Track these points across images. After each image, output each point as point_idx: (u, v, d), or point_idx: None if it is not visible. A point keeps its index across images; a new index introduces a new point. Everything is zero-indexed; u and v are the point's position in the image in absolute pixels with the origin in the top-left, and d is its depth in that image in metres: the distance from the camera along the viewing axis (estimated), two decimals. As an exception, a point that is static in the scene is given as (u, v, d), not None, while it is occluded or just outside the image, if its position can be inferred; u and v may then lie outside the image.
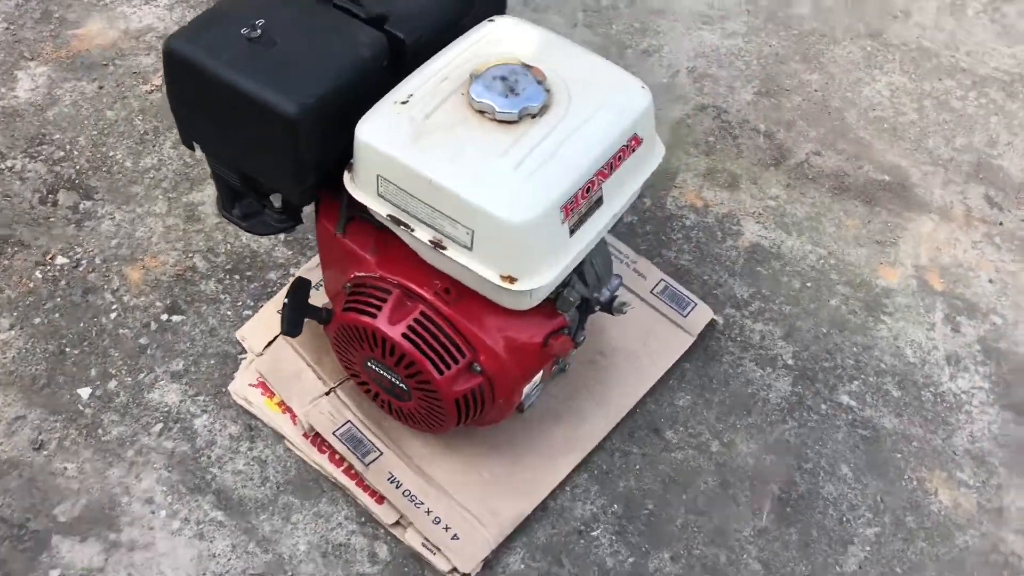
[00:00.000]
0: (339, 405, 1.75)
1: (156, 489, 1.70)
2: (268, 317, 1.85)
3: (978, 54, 2.49)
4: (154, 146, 2.15)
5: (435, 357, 1.49)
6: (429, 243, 1.38)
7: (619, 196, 1.44)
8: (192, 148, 1.52)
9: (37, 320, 1.89)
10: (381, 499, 1.67)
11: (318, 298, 1.80)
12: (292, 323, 1.60)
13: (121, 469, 1.73)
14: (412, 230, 1.39)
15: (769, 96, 2.37)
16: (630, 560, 1.68)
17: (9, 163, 2.11)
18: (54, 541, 1.65)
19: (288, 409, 1.75)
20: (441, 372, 1.49)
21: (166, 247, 2.00)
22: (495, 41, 1.45)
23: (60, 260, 1.97)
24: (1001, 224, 2.16)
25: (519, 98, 1.35)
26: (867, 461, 1.81)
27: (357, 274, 1.55)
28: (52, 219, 2.03)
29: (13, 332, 1.87)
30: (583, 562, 1.67)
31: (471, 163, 1.32)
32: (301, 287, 1.61)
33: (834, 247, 2.11)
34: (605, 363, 1.86)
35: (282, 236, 2.00)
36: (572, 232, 1.37)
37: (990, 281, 2.07)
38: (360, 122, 1.36)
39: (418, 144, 1.34)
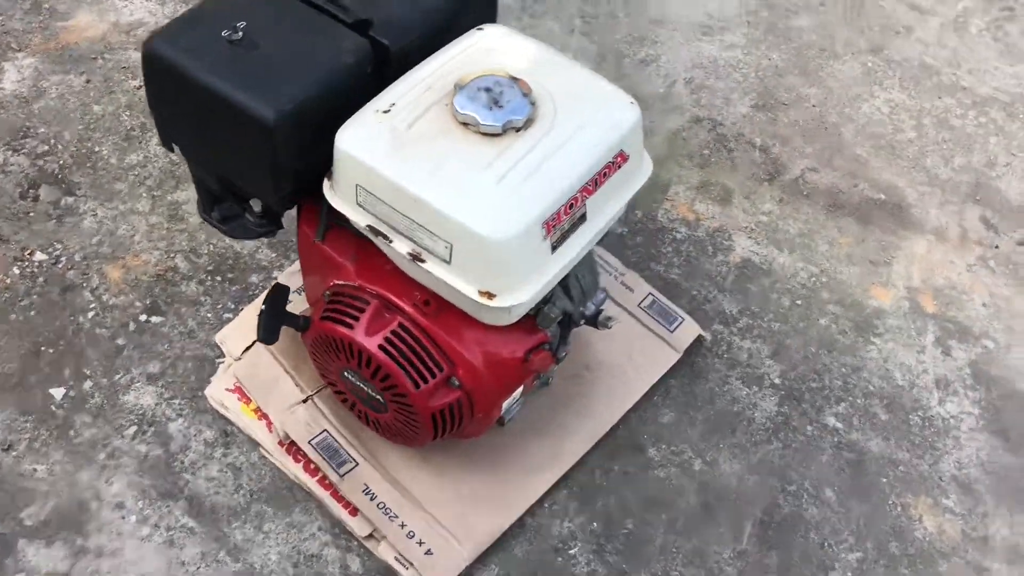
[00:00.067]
0: (316, 413, 1.72)
1: (127, 494, 1.68)
2: (248, 321, 1.82)
3: (980, 73, 2.46)
4: (140, 142, 2.13)
5: (412, 370, 1.46)
6: (407, 256, 1.35)
7: (604, 213, 1.41)
8: (171, 149, 1.49)
9: (12, 317, 1.86)
10: (355, 511, 1.64)
11: (301, 302, 1.78)
12: (269, 330, 1.57)
13: (92, 472, 1.70)
14: (391, 241, 1.36)
15: (766, 109, 2.34)
16: (607, 580, 1.66)
17: (-8, 155, 2.09)
18: (20, 545, 1.62)
19: (264, 416, 1.73)
20: (418, 386, 1.46)
21: (148, 246, 1.97)
22: (482, 51, 1.43)
23: (39, 256, 1.95)
24: (997, 247, 2.13)
25: (503, 111, 1.32)
26: (852, 485, 1.78)
27: (336, 282, 1.52)
28: (33, 214, 2.01)
29: (-11, 328, 1.85)
30: (559, 581, 1.65)
31: (452, 176, 1.29)
32: (279, 293, 1.58)
33: (826, 265, 2.08)
34: (589, 377, 1.83)
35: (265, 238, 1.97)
36: (554, 248, 1.35)
37: (983, 305, 2.04)
38: (340, 130, 1.33)
39: (399, 155, 1.31)
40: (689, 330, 1.90)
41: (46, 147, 2.11)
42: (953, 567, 1.70)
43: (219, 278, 1.94)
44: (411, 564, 1.60)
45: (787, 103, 2.36)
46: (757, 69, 2.42)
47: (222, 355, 1.82)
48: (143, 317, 1.88)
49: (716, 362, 1.91)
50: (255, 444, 1.73)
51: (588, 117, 1.37)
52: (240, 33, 1.35)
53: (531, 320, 1.50)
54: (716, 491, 1.76)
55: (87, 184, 2.05)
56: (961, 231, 2.16)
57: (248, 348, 1.79)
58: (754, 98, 2.36)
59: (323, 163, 1.38)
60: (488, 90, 1.33)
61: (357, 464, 1.67)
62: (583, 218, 1.37)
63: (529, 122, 1.33)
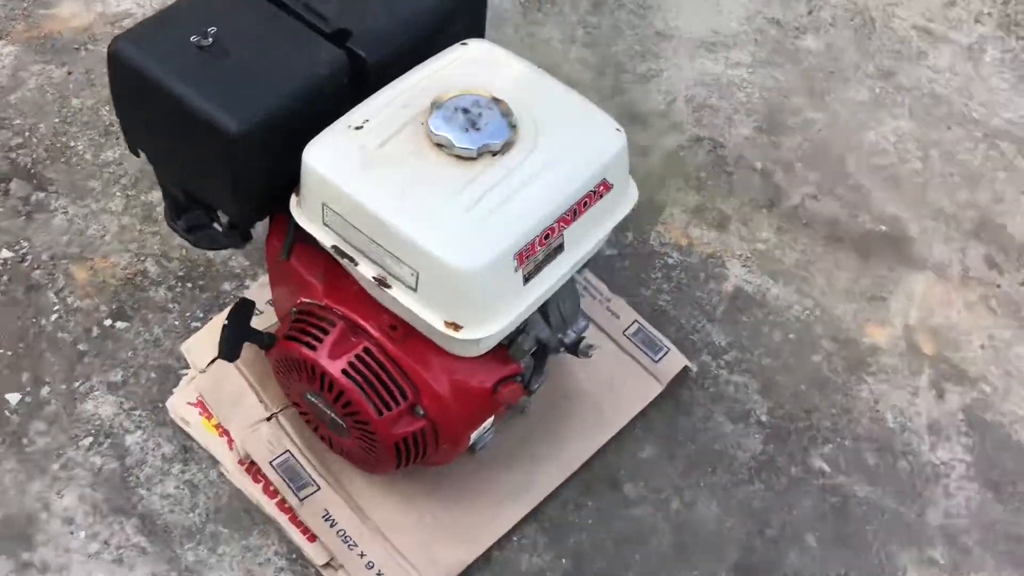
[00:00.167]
0: (280, 432, 1.65)
1: (78, 507, 1.61)
2: (216, 331, 1.75)
3: (992, 104, 2.38)
4: (118, 139, 2.06)
5: (375, 397, 1.39)
6: (373, 279, 1.28)
7: (583, 243, 1.34)
8: (137, 154, 1.43)
9: (-27, 315, 1.80)
10: (313, 537, 1.58)
11: (269, 316, 1.71)
12: (231, 346, 1.50)
13: (43, 483, 1.63)
14: (356, 264, 1.30)
15: (769, 132, 2.27)
16: (573, 622, 1.59)
17: (-37, 146, 2.03)
18: (-38, 557, 1.56)
19: (226, 432, 1.66)
20: (381, 413, 1.40)
21: (118, 247, 1.90)
22: (464, 67, 1.36)
23: (5, 253, 1.88)
24: (999, 287, 2.06)
25: (480, 133, 1.25)
26: (834, 531, 1.71)
27: (303, 300, 1.46)
28: (1, 209, 1.94)
29: (-54, 327, 1.78)
30: (523, 620, 1.58)
31: (421, 200, 1.23)
32: (243, 308, 1.52)
33: (822, 299, 2.00)
34: (567, 407, 1.76)
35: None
36: (527, 280, 1.28)
37: (982, 347, 1.97)
38: (308, 145, 1.27)
39: (367, 175, 1.24)
40: (674, 361, 1.83)
41: (20, 140, 2.04)
42: (935, 624, 1.64)
43: (189, 284, 1.87)
44: (369, 597, 1.53)
45: (791, 126, 2.28)
46: (762, 89, 2.34)
47: (187, 366, 1.75)
48: (108, 322, 1.81)
49: (701, 395, 1.84)
50: (215, 461, 1.66)
51: (571, 143, 1.30)
52: (210, 39, 1.29)
53: (504, 350, 1.43)
54: (693, 532, 1.69)
55: (60, 180, 1.99)
56: (963, 269, 2.08)
57: (214, 360, 1.72)
58: (757, 120, 2.28)
59: (293, 178, 1.32)
60: (466, 111, 1.27)
61: (319, 488, 1.61)
62: (560, 248, 1.31)
63: (507, 146, 1.27)
